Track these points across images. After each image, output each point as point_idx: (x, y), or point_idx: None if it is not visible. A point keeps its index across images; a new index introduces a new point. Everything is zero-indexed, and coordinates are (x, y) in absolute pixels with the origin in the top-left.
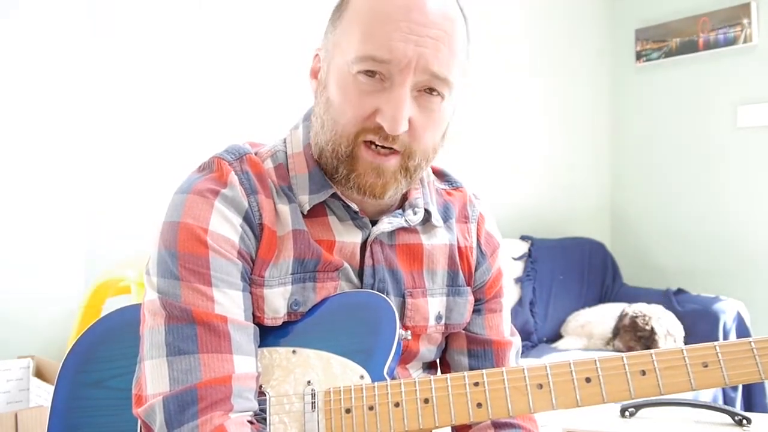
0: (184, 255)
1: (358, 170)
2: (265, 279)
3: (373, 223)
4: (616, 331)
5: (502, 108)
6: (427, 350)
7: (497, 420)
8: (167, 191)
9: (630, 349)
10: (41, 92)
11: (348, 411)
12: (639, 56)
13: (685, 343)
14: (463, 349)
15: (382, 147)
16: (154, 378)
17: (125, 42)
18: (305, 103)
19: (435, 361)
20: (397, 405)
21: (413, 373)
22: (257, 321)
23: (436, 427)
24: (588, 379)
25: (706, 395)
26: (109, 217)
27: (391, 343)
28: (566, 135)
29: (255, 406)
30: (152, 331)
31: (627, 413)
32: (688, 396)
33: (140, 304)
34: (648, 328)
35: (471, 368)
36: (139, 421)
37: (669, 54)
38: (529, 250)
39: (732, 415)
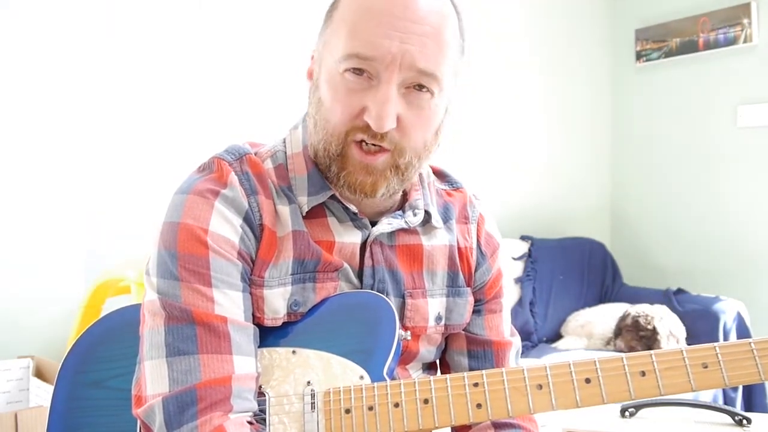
0: (184, 255)
1: (348, 168)
2: (264, 279)
3: (373, 224)
4: (618, 331)
5: (502, 108)
6: (427, 351)
7: (497, 420)
8: (167, 191)
9: (631, 349)
10: (41, 92)
11: (348, 411)
12: (639, 56)
13: (686, 344)
14: (462, 350)
15: (372, 145)
16: (153, 378)
17: (125, 42)
18: (305, 103)
19: (435, 362)
20: (396, 405)
21: (413, 373)
22: (257, 321)
23: (436, 428)
24: (588, 380)
25: (706, 395)
26: (109, 217)
27: (391, 343)
28: (566, 135)
29: (255, 406)
30: (152, 331)
31: (627, 413)
32: (688, 396)
33: (140, 304)
34: (650, 328)
35: (471, 369)
36: (139, 422)
37: (669, 54)
38: (529, 250)
39: (732, 415)
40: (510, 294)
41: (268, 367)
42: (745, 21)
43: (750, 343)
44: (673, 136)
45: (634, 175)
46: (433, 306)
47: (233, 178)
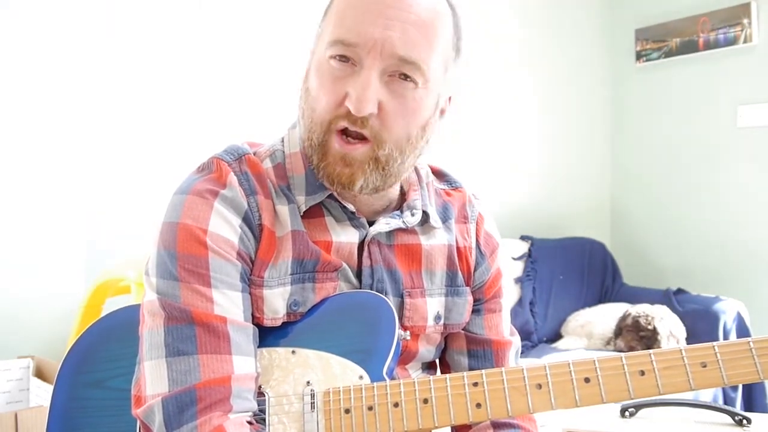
0: (183, 256)
1: (327, 159)
2: (264, 280)
3: (371, 224)
4: (618, 331)
5: (502, 108)
6: (426, 350)
7: (496, 420)
8: (167, 191)
9: (632, 349)
10: (41, 92)
11: (347, 411)
12: (639, 56)
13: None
14: (462, 350)
15: (354, 132)
16: (153, 379)
17: (125, 42)
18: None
19: (434, 362)
20: (396, 405)
21: (412, 373)
22: (256, 321)
23: (436, 428)
24: (587, 379)
25: (706, 395)
26: (109, 217)
27: (390, 343)
28: (566, 135)
29: (254, 406)
30: (151, 332)
31: (627, 413)
32: (688, 396)
33: (140, 305)
34: (650, 328)
35: (470, 368)
36: (138, 422)
37: (669, 54)
38: (529, 250)
39: (732, 415)
40: (509, 294)
41: (267, 367)
42: (745, 21)
43: (749, 342)
44: (673, 136)
45: (634, 175)
46: (432, 305)
47: (232, 178)
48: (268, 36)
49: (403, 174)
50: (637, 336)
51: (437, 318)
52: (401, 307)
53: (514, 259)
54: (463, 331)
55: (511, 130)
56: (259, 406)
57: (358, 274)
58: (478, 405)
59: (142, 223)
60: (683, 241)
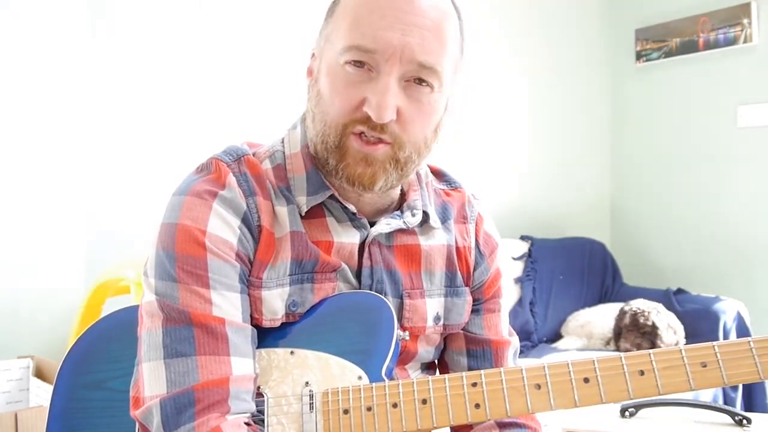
0: (182, 257)
1: (347, 160)
2: (263, 281)
3: (372, 224)
4: (619, 331)
5: (502, 108)
6: (426, 351)
7: (501, 420)
8: (167, 191)
9: (638, 347)
10: (41, 92)
11: (346, 412)
12: (639, 56)
13: (686, 343)
14: (461, 350)
15: (372, 135)
16: (151, 380)
17: (125, 42)
18: (304, 103)
19: (434, 362)
20: (395, 406)
21: (412, 374)
22: (255, 322)
23: (435, 428)
24: (586, 380)
25: (706, 395)
26: (109, 217)
27: (390, 343)
28: (566, 135)
29: (252, 407)
30: (150, 333)
31: (627, 413)
32: (688, 396)
33: (139, 305)
34: (650, 323)
35: (470, 368)
36: (137, 424)
37: (669, 54)
38: (529, 250)
39: (732, 415)
40: (509, 294)
41: (266, 368)
42: (745, 21)
43: (749, 341)
44: (673, 136)
45: (634, 175)
46: (431, 306)
47: (231, 179)
48: (268, 36)
49: (413, 173)
50: (639, 333)
51: (436, 319)
52: (400, 308)
53: (514, 259)
54: (462, 331)
55: (511, 130)
56: (257, 406)
57: (358, 275)
58: (477, 405)
59: (141, 223)
60: (683, 241)
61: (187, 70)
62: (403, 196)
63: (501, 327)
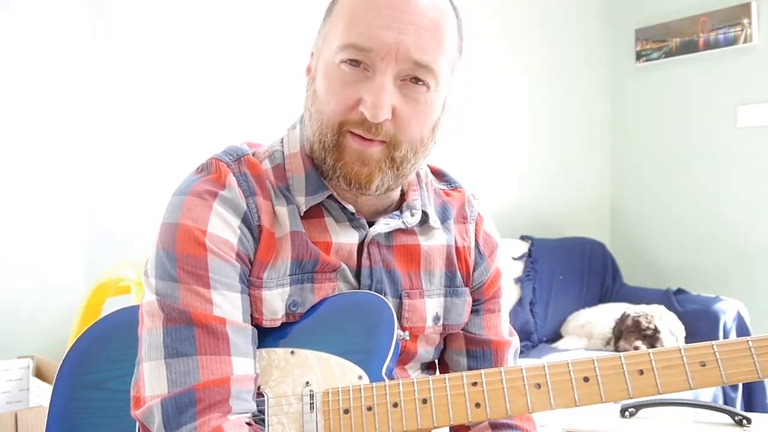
0: (182, 257)
1: (344, 159)
2: (263, 281)
3: (371, 224)
4: (618, 333)
5: (502, 108)
6: (425, 351)
7: (495, 421)
8: (167, 191)
9: (637, 349)
10: (41, 92)
11: (346, 411)
12: (639, 56)
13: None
14: (461, 350)
15: (368, 136)
16: (152, 380)
17: (125, 42)
18: (303, 102)
19: (434, 362)
20: (395, 405)
21: (412, 374)
22: (255, 322)
23: (435, 428)
24: (586, 379)
25: (706, 395)
26: (109, 217)
27: (390, 343)
28: (566, 135)
29: (253, 407)
30: (150, 333)
31: (627, 413)
32: (688, 396)
33: (140, 305)
34: (652, 326)
35: (469, 369)
36: (138, 423)
37: (669, 54)
38: (529, 250)
39: (732, 415)
40: (509, 294)
41: (266, 368)
42: (745, 21)
43: (748, 341)
44: (673, 136)
45: (634, 175)
46: (430, 306)
47: (231, 179)
48: (267, 36)
49: (411, 175)
50: (640, 336)
51: (436, 319)
52: (400, 308)
53: (514, 259)
54: (462, 332)
55: (511, 130)
56: (258, 406)
57: (357, 275)
58: (477, 405)
59: (141, 223)
60: (683, 241)
61: (187, 70)
62: (403, 196)
63: (501, 327)
